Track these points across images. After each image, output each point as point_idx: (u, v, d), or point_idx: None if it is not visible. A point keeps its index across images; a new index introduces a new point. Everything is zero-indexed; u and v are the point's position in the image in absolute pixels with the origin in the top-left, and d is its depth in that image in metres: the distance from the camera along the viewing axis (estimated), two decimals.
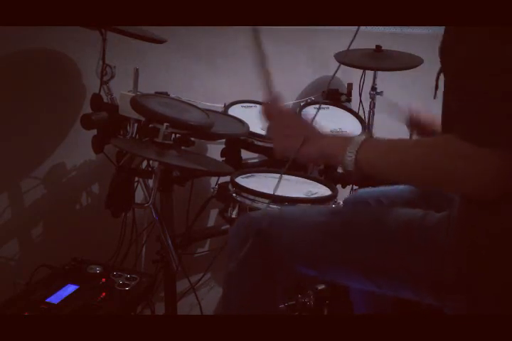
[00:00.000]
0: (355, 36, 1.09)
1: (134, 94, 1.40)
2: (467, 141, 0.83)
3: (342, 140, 1.02)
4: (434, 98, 1.03)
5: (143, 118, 1.38)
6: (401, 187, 1.47)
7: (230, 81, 1.99)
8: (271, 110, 1.14)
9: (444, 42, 0.89)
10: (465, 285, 0.95)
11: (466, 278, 0.94)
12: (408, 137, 1.67)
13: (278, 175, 1.59)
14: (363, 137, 1.00)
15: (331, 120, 1.89)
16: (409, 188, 1.30)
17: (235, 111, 1.80)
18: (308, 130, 1.08)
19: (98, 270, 1.38)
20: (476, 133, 0.83)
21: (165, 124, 1.28)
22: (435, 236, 0.97)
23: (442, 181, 0.90)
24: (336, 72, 1.14)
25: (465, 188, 0.88)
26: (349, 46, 1.12)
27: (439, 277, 0.97)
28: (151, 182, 1.52)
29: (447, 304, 1.00)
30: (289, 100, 2.10)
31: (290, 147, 1.07)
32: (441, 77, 0.93)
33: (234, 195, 1.47)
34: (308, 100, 2.01)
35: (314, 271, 1.12)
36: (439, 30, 0.91)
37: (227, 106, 1.81)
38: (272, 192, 1.40)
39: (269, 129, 1.13)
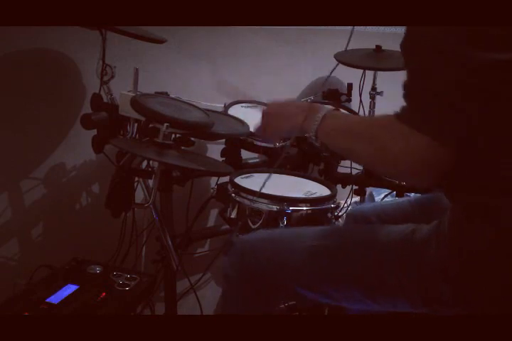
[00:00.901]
0: (350, 36, 1.12)
1: (134, 94, 1.39)
2: (405, 123, 0.86)
3: (314, 110, 1.06)
4: None
5: (143, 118, 1.38)
6: (400, 200, 1.50)
7: (230, 81, 1.99)
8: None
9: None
10: (459, 297, 0.95)
11: (460, 288, 0.94)
12: None
13: (277, 175, 1.61)
14: (331, 108, 1.05)
15: None
16: (408, 201, 1.32)
17: (235, 111, 1.80)
18: (300, 107, 1.11)
19: (98, 270, 1.38)
20: (412, 117, 0.86)
21: (165, 124, 1.28)
22: (425, 249, 0.98)
23: (375, 157, 0.94)
24: (332, 71, 1.16)
25: (394, 168, 0.91)
26: (346, 46, 1.13)
27: (433, 290, 0.97)
28: (151, 182, 1.52)
29: (444, 315, 1.01)
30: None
31: (281, 128, 1.14)
32: None
33: (233, 195, 1.47)
34: (308, 100, 2.01)
35: (314, 294, 1.13)
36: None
37: (227, 106, 1.81)
38: (271, 193, 1.41)
39: (262, 116, 1.19)
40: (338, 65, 1.16)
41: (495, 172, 0.88)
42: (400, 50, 0.88)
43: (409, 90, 0.87)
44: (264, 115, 1.18)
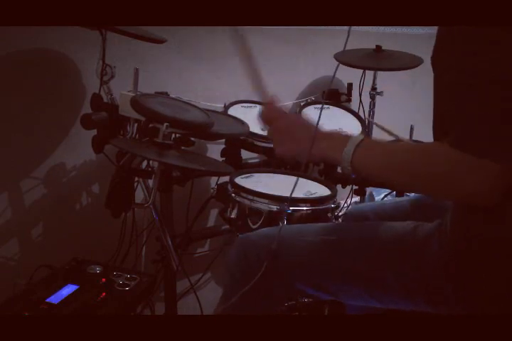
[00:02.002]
0: (348, 36, 1.09)
1: (134, 94, 1.39)
2: (465, 151, 0.84)
3: (340, 141, 1.02)
4: None
5: (143, 118, 1.38)
6: (399, 199, 1.49)
7: (230, 81, 1.99)
8: (271, 113, 1.14)
9: (435, 51, 0.89)
10: (461, 295, 0.95)
11: (461, 287, 0.94)
12: (408, 137, 1.67)
13: (278, 175, 1.61)
14: (360, 138, 1.00)
15: (331, 120, 1.89)
16: (408, 200, 1.32)
17: (235, 111, 1.80)
18: (308, 132, 1.07)
19: (98, 270, 1.38)
20: (476, 144, 0.83)
21: (165, 124, 1.28)
22: (427, 247, 0.98)
23: (440, 188, 0.90)
24: (336, 72, 1.14)
25: (462, 196, 0.89)
26: (344, 47, 1.12)
27: (434, 288, 0.97)
28: (151, 182, 1.52)
29: (446, 313, 1.01)
30: (289, 100, 2.10)
31: (292, 150, 1.08)
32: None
33: (233, 195, 1.47)
34: (309, 100, 2.01)
35: (315, 291, 1.13)
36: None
37: (227, 106, 1.81)
38: (271, 193, 1.41)
39: (270, 133, 1.14)
40: (338, 65, 1.14)
41: None
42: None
43: (460, 117, 0.85)
44: (274, 131, 1.13)
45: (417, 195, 1.39)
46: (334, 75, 1.13)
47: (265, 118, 1.15)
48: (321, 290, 1.12)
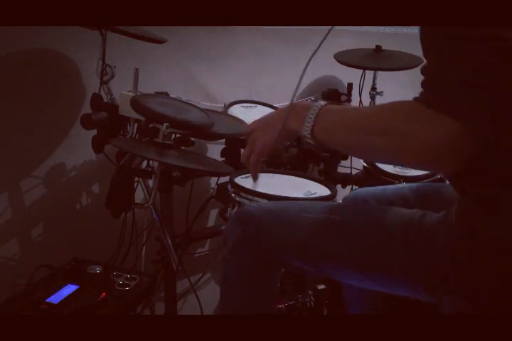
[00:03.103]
0: (326, 35, 1.08)
1: (134, 94, 1.40)
2: (431, 107, 0.82)
3: (301, 107, 1.01)
4: None
5: (143, 118, 1.38)
6: (401, 186, 1.47)
7: (230, 81, 1.99)
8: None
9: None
10: (464, 285, 0.95)
11: (465, 277, 0.94)
12: None
13: (278, 175, 1.61)
14: (319, 105, 0.99)
15: None
16: (409, 188, 1.31)
17: (235, 111, 1.80)
18: (281, 113, 1.06)
19: (98, 270, 1.38)
20: (442, 102, 0.81)
21: (165, 124, 1.28)
22: (433, 236, 0.97)
23: (400, 148, 0.88)
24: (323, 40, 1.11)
25: (422, 156, 0.86)
26: (319, 47, 1.10)
27: (437, 277, 0.97)
28: (151, 182, 1.52)
29: (446, 303, 1.00)
30: (288, 100, 2.10)
31: (267, 136, 1.08)
32: None
33: (233, 195, 1.47)
34: (308, 100, 2.01)
35: (310, 267, 1.12)
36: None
37: (227, 106, 1.81)
38: (271, 193, 1.41)
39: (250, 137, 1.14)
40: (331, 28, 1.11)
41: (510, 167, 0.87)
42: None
43: (429, 74, 0.84)
44: (250, 138, 1.12)
45: (418, 184, 1.38)
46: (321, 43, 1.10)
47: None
48: (319, 270, 1.11)
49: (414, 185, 1.34)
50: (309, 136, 0.99)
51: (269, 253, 1.12)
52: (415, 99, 0.86)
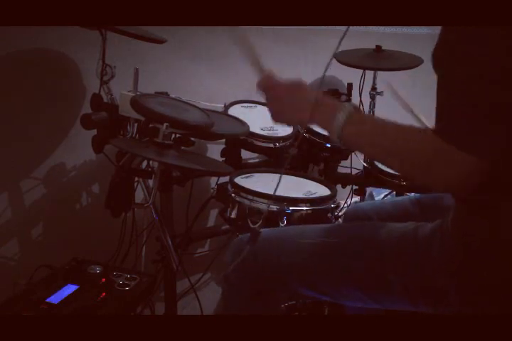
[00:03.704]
0: (343, 37, 1.08)
1: (134, 94, 1.39)
2: (447, 141, 0.85)
3: (330, 114, 1.00)
4: None
5: (143, 118, 1.38)
6: (400, 198, 1.48)
7: (230, 81, 1.99)
8: (268, 81, 1.13)
9: (437, 49, 0.89)
10: (462, 295, 0.95)
11: (463, 287, 0.94)
12: None
13: (278, 175, 1.61)
14: (348, 111, 0.98)
15: None
16: (409, 199, 1.31)
17: (235, 111, 1.80)
18: (309, 100, 1.05)
19: (98, 270, 1.38)
20: (457, 136, 0.85)
21: (165, 124, 1.28)
22: (428, 247, 0.98)
23: (418, 174, 0.93)
24: (327, 68, 1.12)
25: (438, 183, 0.91)
26: (337, 48, 1.10)
27: (436, 289, 0.97)
28: (151, 182, 1.52)
29: (446, 314, 1.01)
30: None
31: (291, 120, 1.12)
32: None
33: (233, 195, 1.47)
34: None
35: (314, 292, 1.13)
36: (439, 30, 0.91)
37: (227, 106, 1.81)
38: (271, 193, 1.41)
39: (267, 101, 1.13)
40: (330, 61, 1.12)
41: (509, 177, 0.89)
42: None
43: (446, 108, 0.87)
44: (271, 99, 1.11)
45: (416, 195, 1.39)
46: (325, 71, 1.12)
47: (263, 85, 1.12)
48: (319, 292, 1.12)
49: (413, 196, 1.35)
50: (338, 139, 1.00)
51: (269, 281, 1.13)
52: (435, 132, 0.88)
